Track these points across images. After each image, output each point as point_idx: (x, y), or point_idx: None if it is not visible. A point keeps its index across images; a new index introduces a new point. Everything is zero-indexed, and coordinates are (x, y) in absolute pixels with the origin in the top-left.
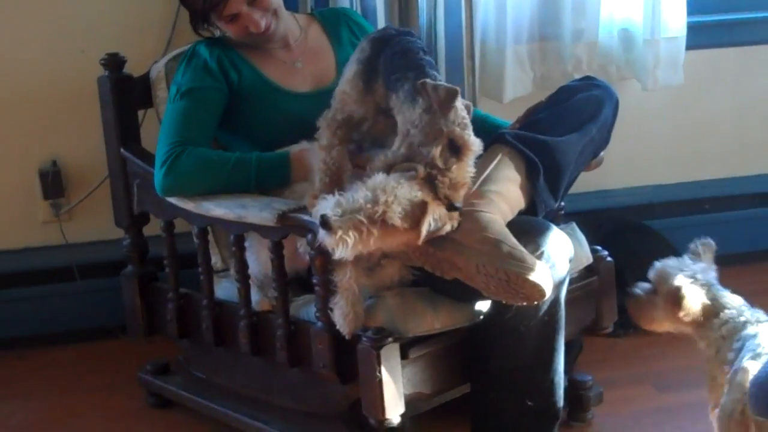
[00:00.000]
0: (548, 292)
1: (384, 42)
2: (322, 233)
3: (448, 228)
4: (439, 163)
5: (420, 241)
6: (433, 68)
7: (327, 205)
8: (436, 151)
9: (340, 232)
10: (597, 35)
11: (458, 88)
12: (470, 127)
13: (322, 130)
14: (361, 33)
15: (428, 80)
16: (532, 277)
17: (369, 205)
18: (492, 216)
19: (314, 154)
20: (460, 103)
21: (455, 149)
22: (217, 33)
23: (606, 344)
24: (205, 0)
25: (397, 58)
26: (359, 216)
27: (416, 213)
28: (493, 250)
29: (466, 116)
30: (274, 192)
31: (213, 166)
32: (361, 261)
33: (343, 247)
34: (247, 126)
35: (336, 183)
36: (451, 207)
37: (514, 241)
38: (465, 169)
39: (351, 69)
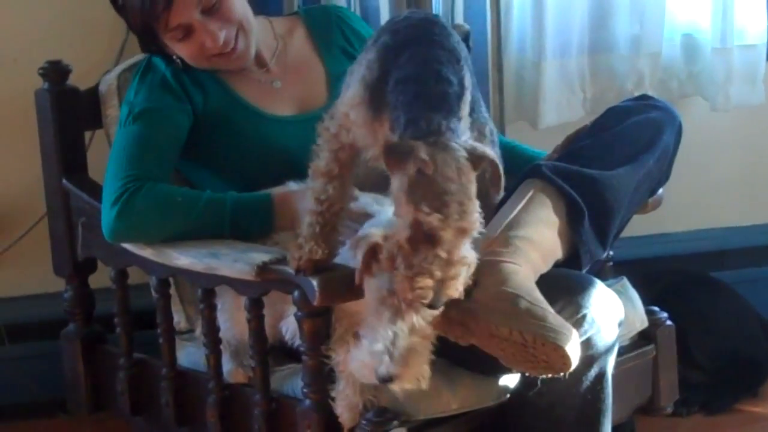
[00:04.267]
0: (575, 362)
1: (397, 51)
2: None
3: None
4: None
5: None
6: (460, 101)
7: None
8: (402, 235)
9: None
10: (661, 44)
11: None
12: (467, 198)
13: (318, 148)
14: (358, 41)
15: (401, 144)
16: (554, 339)
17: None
18: (515, 267)
19: (302, 198)
20: (454, 170)
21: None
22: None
23: (665, 425)
24: (143, 8)
25: (410, 86)
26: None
27: None
28: (509, 307)
29: (468, 183)
30: (251, 241)
31: (178, 208)
32: None
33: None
34: (216, 157)
35: (329, 231)
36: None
37: (537, 296)
38: (435, 261)
39: (356, 91)
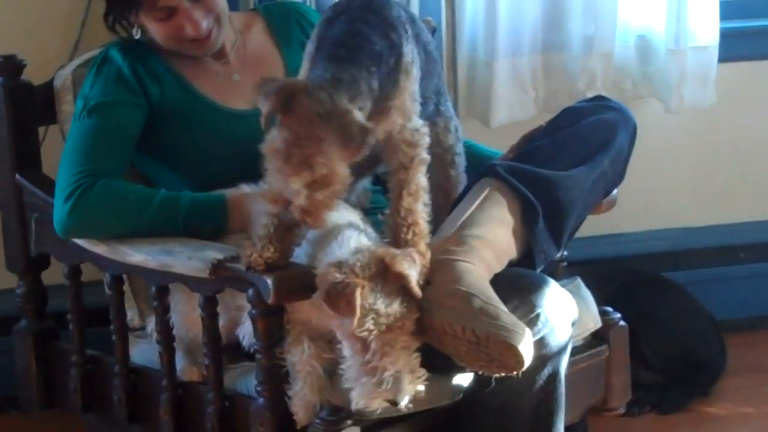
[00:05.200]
0: (527, 360)
1: (331, 21)
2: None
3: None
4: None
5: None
6: (379, 61)
7: None
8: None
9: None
10: (613, 45)
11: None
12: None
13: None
14: None
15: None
16: (507, 338)
17: None
18: (468, 266)
19: (256, 200)
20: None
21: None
22: (137, 34)
23: (617, 425)
24: None
25: (329, 45)
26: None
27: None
28: (463, 305)
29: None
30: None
31: (131, 205)
32: (319, 334)
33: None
34: (172, 151)
35: (283, 232)
36: None
37: (491, 295)
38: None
39: (302, 67)
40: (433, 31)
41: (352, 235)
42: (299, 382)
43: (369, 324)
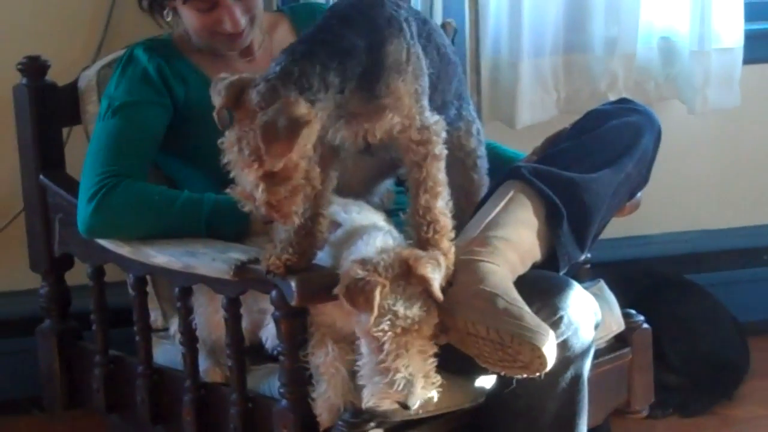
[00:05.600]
0: (551, 362)
1: (324, 14)
2: None
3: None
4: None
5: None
6: (345, 60)
7: None
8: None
9: None
10: (635, 46)
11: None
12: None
13: None
14: None
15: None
16: (531, 339)
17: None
18: (493, 267)
19: None
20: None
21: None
22: (168, 16)
23: (640, 428)
24: None
25: (298, 44)
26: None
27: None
28: (487, 305)
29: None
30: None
31: (155, 206)
32: (343, 336)
33: None
34: (196, 151)
35: (305, 236)
36: None
37: (515, 296)
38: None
39: None
40: (454, 33)
41: (377, 235)
42: (323, 384)
43: (385, 324)
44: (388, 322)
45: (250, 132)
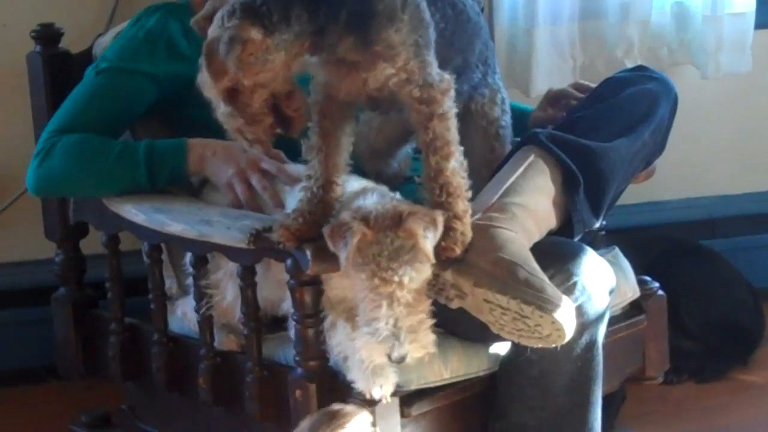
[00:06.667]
0: (569, 334)
1: None
2: None
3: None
4: None
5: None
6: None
7: None
8: None
9: None
10: (650, 11)
11: None
12: None
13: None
14: None
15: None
16: (551, 311)
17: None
18: (512, 234)
19: (213, 144)
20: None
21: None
22: None
23: (655, 393)
24: None
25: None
26: None
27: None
28: (507, 274)
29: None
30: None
31: (93, 154)
32: (354, 315)
33: None
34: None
35: (317, 204)
36: None
37: (535, 266)
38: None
39: None
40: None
41: (374, 192)
42: (357, 354)
43: (365, 273)
44: (369, 271)
45: None
